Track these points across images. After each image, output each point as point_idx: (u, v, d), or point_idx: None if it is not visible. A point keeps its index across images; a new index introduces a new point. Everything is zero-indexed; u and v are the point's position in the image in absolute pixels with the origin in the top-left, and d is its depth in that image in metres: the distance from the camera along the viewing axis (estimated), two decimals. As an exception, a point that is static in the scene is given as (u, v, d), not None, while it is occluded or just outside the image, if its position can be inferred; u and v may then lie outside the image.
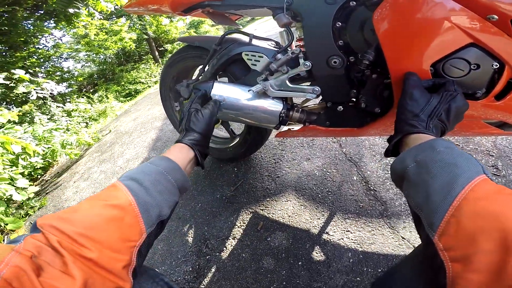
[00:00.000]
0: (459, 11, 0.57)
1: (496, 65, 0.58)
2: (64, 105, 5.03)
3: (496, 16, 0.54)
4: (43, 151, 2.45)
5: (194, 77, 1.12)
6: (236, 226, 1.16)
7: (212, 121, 0.75)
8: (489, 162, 1.12)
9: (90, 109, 5.25)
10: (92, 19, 7.66)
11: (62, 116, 4.32)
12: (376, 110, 0.76)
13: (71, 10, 5.58)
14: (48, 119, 3.80)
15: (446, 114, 0.56)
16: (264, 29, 8.48)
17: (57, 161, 2.99)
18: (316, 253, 0.97)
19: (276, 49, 0.86)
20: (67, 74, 8.24)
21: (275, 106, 0.86)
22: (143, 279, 0.51)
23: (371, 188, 1.15)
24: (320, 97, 0.86)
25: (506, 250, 0.32)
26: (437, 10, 0.58)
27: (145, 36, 10.70)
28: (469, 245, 0.36)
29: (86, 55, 10.34)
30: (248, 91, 0.87)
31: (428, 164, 0.46)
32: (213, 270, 1.03)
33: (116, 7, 7.50)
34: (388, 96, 0.73)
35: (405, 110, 0.58)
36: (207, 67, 1.03)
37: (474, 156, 1.14)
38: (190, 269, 1.06)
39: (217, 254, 1.08)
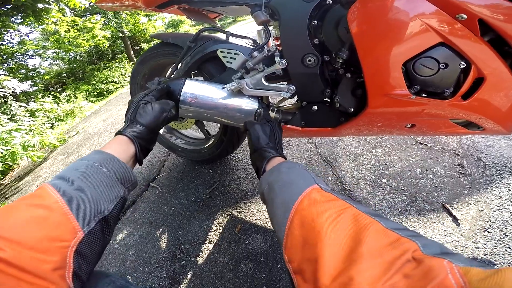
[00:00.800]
0: (430, 10, 0.58)
1: (463, 65, 0.60)
2: (28, 105, 4.69)
3: (464, 16, 0.56)
4: (1, 153, 2.25)
5: (167, 75, 1.07)
6: (212, 230, 1.12)
7: (162, 117, 0.68)
8: (455, 161, 1.17)
9: (57, 109, 4.96)
10: (63, 16, 7.25)
11: (25, 116, 4.01)
12: (350, 109, 0.76)
13: (40, 6, 5.24)
14: (8, 119, 3.52)
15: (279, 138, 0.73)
16: (246, 30, 8.50)
17: (18, 164, 2.77)
18: (294, 255, 0.95)
19: (253, 47, 0.84)
20: (33, 72, 7.73)
21: (251, 105, 0.84)
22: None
23: (346, 188, 1.16)
24: (296, 97, 0.85)
25: (316, 259, 0.35)
26: (408, 9, 0.59)
27: (121, 34, 10.33)
28: (299, 255, 0.39)
29: (54, 52, 9.76)
30: (222, 89, 0.85)
31: (273, 185, 0.52)
32: (189, 275, 0.98)
33: (91, 3, 7.17)
34: (361, 96, 0.74)
35: (259, 145, 0.68)
36: (180, 65, 0.99)
37: (441, 155, 1.21)
38: (165, 275, 1.00)
39: (193, 259, 1.03)
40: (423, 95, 0.66)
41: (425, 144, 1.29)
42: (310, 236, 0.39)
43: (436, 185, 1.09)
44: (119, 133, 0.62)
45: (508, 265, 0.80)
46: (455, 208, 0.98)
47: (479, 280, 0.25)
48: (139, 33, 11.60)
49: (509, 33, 0.56)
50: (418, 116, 0.71)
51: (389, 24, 0.61)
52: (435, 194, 1.05)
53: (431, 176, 1.13)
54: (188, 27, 16.08)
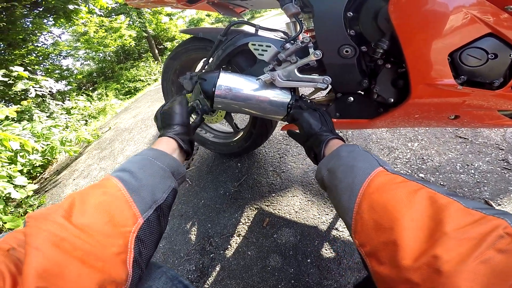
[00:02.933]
0: (476, 1, 0.56)
1: None
2: (63, 103, 4.99)
3: None
4: (42, 148, 2.41)
5: (197, 70, 1.09)
6: (241, 223, 1.13)
7: (184, 110, 0.76)
8: (499, 156, 1.09)
9: (90, 106, 5.22)
10: (91, 16, 7.59)
11: (61, 113, 4.26)
12: (390, 100, 0.74)
13: (70, 7, 5.52)
14: (47, 116, 3.75)
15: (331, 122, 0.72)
16: (267, 26, 8.42)
17: (56, 158, 2.96)
18: (326, 250, 0.94)
19: (284, 39, 0.83)
20: (66, 72, 8.18)
21: (283, 97, 0.84)
22: (159, 280, 0.48)
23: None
24: (328, 89, 0.83)
25: (395, 242, 0.34)
26: (454, 0, 0.57)
27: (145, 34, 10.68)
28: (372, 239, 0.39)
29: (85, 53, 10.30)
30: (257, 80, 0.84)
31: (335, 170, 0.52)
32: (217, 269, 1.00)
33: (116, 4, 7.44)
34: (402, 86, 0.71)
35: (313, 131, 0.68)
36: (211, 59, 1.00)
37: (483, 150, 1.13)
38: (194, 268, 1.03)
39: (222, 252, 1.05)
40: (470, 85, 0.63)
41: (465, 138, 1.21)
42: (384, 219, 0.38)
43: (478, 180, 1.02)
44: (160, 136, 0.69)
45: None
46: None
47: None
48: (162, 32, 11.90)
49: None
50: (464, 106, 0.67)
51: (434, 15, 0.59)
52: (477, 189, 0.99)
53: (472, 171, 1.06)
54: (208, 25, 16.28)
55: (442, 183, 1.04)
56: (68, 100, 5.37)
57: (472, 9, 0.56)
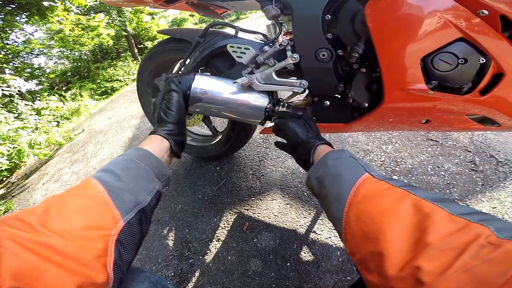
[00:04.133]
0: (450, 5, 0.57)
1: (483, 60, 0.59)
2: (34, 103, 4.72)
3: (486, 11, 0.54)
4: (8, 151, 2.26)
5: (174, 71, 1.06)
6: (220, 228, 1.11)
7: (182, 109, 0.73)
8: (467, 158, 1.15)
9: (62, 107, 4.99)
10: (68, 14, 7.26)
11: (31, 114, 4.03)
12: (364, 104, 0.75)
13: (45, 3, 5.25)
14: (14, 117, 3.52)
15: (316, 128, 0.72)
16: (250, 28, 8.44)
17: (24, 162, 2.79)
18: (305, 253, 0.94)
19: (263, 42, 0.83)
20: (38, 71, 7.76)
21: (261, 101, 0.83)
22: (142, 283, 0.47)
23: (357, 185, 1.14)
24: (306, 93, 0.84)
25: (381, 253, 0.35)
26: (428, 4, 0.58)
27: (124, 33, 10.36)
28: (361, 249, 0.39)
29: (59, 51, 9.81)
30: (233, 83, 0.83)
31: (323, 180, 0.52)
32: (197, 274, 0.97)
33: (95, 2, 7.16)
34: (376, 91, 0.72)
35: (299, 139, 0.67)
36: (188, 60, 0.98)
37: (453, 152, 1.19)
38: (172, 274, 1.00)
39: (201, 257, 1.02)
40: (441, 90, 0.65)
41: (436, 141, 1.27)
42: (370, 230, 0.38)
43: (448, 182, 1.06)
44: (152, 133, 0.66)
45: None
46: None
47: None
48: (143, 31, 11.64)
49: None
50: (434, 111, 0.69)
51: (408, 18, 0.60)
52: (447, 191, 1.03)
53: (442, 173, 1.11)
54: (192, 25, 16.08)
55: (414, 185, 1.08)
56: (39, 100, 5.09)
57: (446, 13, 0.57)
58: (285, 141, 0.74)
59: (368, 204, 0.41)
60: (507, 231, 0.30)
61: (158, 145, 0.62)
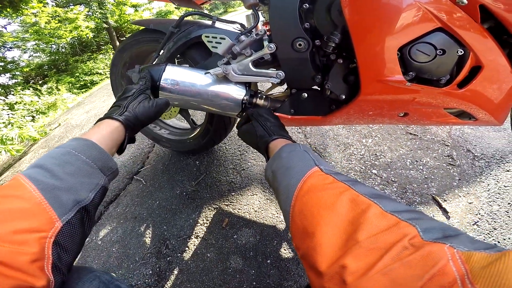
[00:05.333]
0: None
1: (461, 52, 0.58)
2: (6, 98, 4.48)
3: (465, 1, 0.53)
4: (-24, 148, 2.13)
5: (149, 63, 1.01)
6: (199, 224, 1.08)
7: (157, 116, 0.67)
8: (445, 152, 1.17)
9: (37, 101, 4.78)
10: (44, 6, 6.92)
11: (3, 109, 3.82)
12: (341, 96, 0.73)
13: (19, -5, 4.99)
14: (-16, 112, 3.34)
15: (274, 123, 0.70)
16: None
17: (-5, 159, 2.64)
18: (284, 249, 0.93)
19: (240, 32, 0.80)
20: (11, 64, 7.38)
21: (238, 92, 0.80)
22: (90, 283, 0.45)
23: (337, 179, 1.14)
24: (285, 85, 0.81)
25: (315, 248, 0.35)
26: None
27: (105, 25, 10.01)
28: (302, 243, 0.39)
29: (35, 44, 9.36)
30: (205, 74, 0.80)
31: (276, 172, 0.52)
32: (175, 272, 0.94)
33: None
34: (353, 82, 0.71)
35: (258, 138, 0.67)
36: (162, 51, 0.93)
37: (431, 146, 1.21)
38: (150, 272, 0.97)
39: (179, 255, 0.99)
40: (419, 82, 0.63)
41: (415, 135, 1.28)
42: (309, 224, 0.38)
43: (426, 176, 1.08)
44: (109, 117, 0.58)
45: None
46: (445, 201, 0.98)
47: (481, 267, 0.23)
48: (125, 24, 11.28)
49: (510, 21, 0.54)
50: (412, 104, 0.68)
51: (385, 6, 0.58)
52: (425, 185, 1.04)
53: (421, 167, 1.12)
54: (177, 17, 15.78)
55: (393, 180, 1.09)
56: (12, 94, 4.84)
57: (424, 2, 0.55)
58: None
59: (311, 197, 0.41)
60: (433, 232, 0.30)
61: (111, 133, 0.56)
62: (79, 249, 0.44)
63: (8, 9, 5.59)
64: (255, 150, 1.37)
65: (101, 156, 0.50)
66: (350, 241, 0.32)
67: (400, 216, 0.33)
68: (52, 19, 7.94)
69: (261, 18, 0.86)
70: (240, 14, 11.14)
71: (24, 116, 3.77)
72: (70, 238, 0.41)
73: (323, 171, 0.46)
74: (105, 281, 0.47)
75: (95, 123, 0.59)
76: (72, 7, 9.08)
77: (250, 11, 0.83)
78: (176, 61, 1.02)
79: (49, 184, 0.41)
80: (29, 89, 5.66)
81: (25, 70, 8.21)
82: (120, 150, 0.60)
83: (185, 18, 0.90)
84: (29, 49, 9.77)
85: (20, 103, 4.50)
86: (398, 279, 0.26)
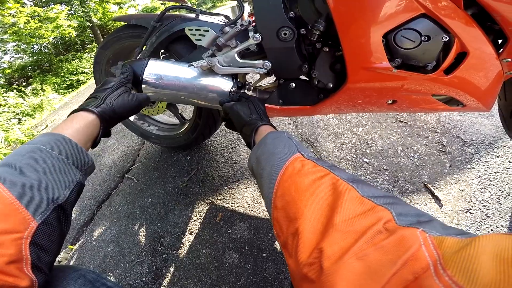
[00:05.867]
0: None
1: (446, 38, 0.58)
2: (-11, 101, 4.34)
3: None
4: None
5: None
6: (193, 220, 1.08)
7: (135, 111, 0.66)
8: (435, 138, 1.18)
9: (23, 103, 4.63)
10: (22, 6, 6.68)
11: (-14, 113, 3.71)
12: (329, 85, 0.73)
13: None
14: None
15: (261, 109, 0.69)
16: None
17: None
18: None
19: (224, 23, 0.78)
20: (-9, 67, 7.12)
21: (224, 84, 0.79)
22: (74, 282, 0.44)
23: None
24: (274, 77, 0.80)
25: (297, 233, 0.34)
26: None
27: (89, 24, 9.74)
28: (284, 230, 0.38)
29: (15, 45, 9.04)
30: (189, 66, 0.78)
31: (260, 158, 0.51)
32: (172, 269, 0.94)
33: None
34: (340, 70, 0.70)
35: (244, 121, 0.65)
36: (145, 46, 0.91)
37: (421, 133, 1.22)
38: (147, 270, 0.96)
39: (174, 252, 0.99)
40: (405, 69, 0.63)
41: (405, 122, 1.29)
42: (291, 209, 0.37)
43: (417, 163, 1.09)
44: (84, 108, 0.56)
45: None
46: (437, 188, 0.99)
47: (453, 252, 0.23)
48: (110, 22, 11.00)
49: (493, 7, 0.54)
50: (400, 91, 0.68)
51: None
52: (417, 173, 1.05)
53: (412, 155, 1.13)
54: (161, 13, 15.48)
55: (385, 168, 1.10)
56: (-5, 97, 4.69)
57: None
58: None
59: (293, 182, 0.41)
60: (407, 217, 0.29)
61: (86, 127, 0.53)
62: (58, 248, 0.43)
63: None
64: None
65: (74, 151, 0.48)
66: (328, 225, 0.32)
67: (376, 201, 0.33)
68: (31, 19, 7.67)
69: (247, 9, 0.84)
70: (229, 9, 11.00)
71: (9, 119, 3.67)
72: (48, 237, 0.40)
73: (305, 157, 0.46)
74: (90, 279, 0.46)
75: (68, 115, 0.56)
76: (52, 6, 8.79)
77: (235, 3, 0.81)
78: (161, 56, 0.99)
79: (19, 183, 0.39)
80: (12, 91, 5.48)
81: (7, 71, 7.96)
82: (94, 144, 0.58)
83: (167, 12, 0.88)
84: (9, 50, 9.44)
85: (5, 105, 4.37)
86: (373, 265, 0.26)
